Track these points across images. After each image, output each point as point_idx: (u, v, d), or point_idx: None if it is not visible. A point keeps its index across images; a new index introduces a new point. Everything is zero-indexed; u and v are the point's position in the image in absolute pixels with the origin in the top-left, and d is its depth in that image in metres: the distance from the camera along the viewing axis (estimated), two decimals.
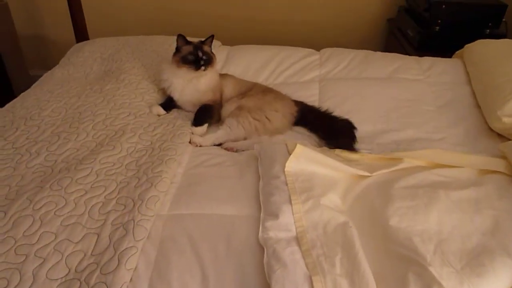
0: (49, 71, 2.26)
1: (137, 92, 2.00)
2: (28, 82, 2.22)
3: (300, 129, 1.92)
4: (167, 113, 1.94)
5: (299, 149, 1.49)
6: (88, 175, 1.42)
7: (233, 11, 3.42)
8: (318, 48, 2.55)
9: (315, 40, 3.42)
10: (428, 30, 2.67)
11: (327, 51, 2.48)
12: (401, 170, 1.52)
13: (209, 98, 1.96)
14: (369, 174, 1.49)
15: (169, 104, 1.97)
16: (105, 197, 1.34)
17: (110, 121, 1.77)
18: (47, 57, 3.69)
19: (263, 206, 1.30)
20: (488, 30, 2.71)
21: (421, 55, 2.50)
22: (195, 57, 1.85)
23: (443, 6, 2.71)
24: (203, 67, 1.81)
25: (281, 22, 3.48)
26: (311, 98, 2.11)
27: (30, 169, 1.49)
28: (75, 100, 1.92)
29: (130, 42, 2.50)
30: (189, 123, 1.86)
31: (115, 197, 1.34)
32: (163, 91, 2.04)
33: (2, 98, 2.17)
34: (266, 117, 1.87)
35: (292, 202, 1.29)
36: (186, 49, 1.90)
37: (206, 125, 1.86)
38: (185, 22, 3.45)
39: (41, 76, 2.25)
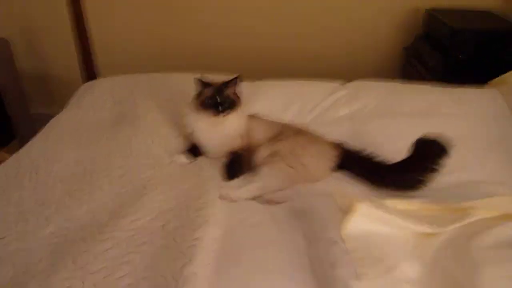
0: (56, 117, 2.06)
1: (156, 139, 1.79)
2: (29, 120, 2.01)
3: (340, 175, 1.71)
4: (192, 161, 1.73)
5: (357, 206, 1.28)
6: (110, 248, 1.19)
7: (241, 41, 3.29)
8: (334, 78, 2.38)
9: (330, 70, 3.27)
10: (451, 59, 2.49)
11: (353, 85, 2.31)
12: (473, 224, 1.31)
13: (238, 144, 1.76)
14: (439, 231, 1.28)
15: (193, 151, 1.77)
16: (133, 276, 1.11)
17: (129, 175, 1.55)
18: (49, 95, 3.50)
19: (323, 281, 1.08)
20: None
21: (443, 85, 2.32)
22: (214, 101, 1.66)
23: (466, 34, 2.59)
24: (221, 114, 1.63)
25: (295, 53, 3.34)
26: (343, 137, 1.91)
27: (39, 240, 1.26)
28: (86, 150, 1.71)
29: (142, 80, 2.31)
30: (218, 173, 1.64)
31: (146, 276, 1.11)
32: (185, 136, 1.83)
33: (1, 137, 1.96)
34: (302, 164, 1.66)
35: (362, 277, 1.07)
36: (206, 92, 1.72)
37: (238, 178, 1.65)
38: (197, 55, 3.30)
39: (42, 114, 2.05)
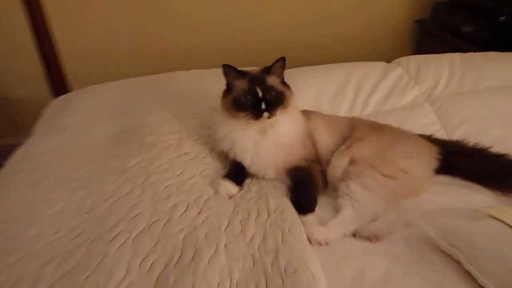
0: (23, 146, 1.45)
1: (182, 163, 1.24)
2: None
3: (444, 179, 1.22)
4: (241, 189, 1.18)
5: None
6: None
7: (236, 34, 2.75)
8: (342, 61, 1.92)
9: (337, 53, 2.79)
10: (494, 23, 2.17)
11: (406, 61, 1.83)
12: None
13: (300, 155, 1.23)
14: None
15: (238, 174, 1.23)
16: None
17: (160, 228, 0.99)
18: (13, 121, 2.82)
19: None
20: None
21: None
22: (253, 97, 1.16)
23: None
24: (266, 113, 1.14)
25: (297, 42, 2.85)
26: (432, 128, 1.43)
27: None
28: (83, 193, 1.13)
29: (139, 86, 1.73)
30: (287, 200, 1.11)
31: None
32: (221, 154, 1.29)
33: None
34: (402, 170, 1.17)
35: None
36: (239, 85, 1.19)
37: (316, 207, 1.13)
38: (188, 53, 2.73)
39: (5, 146, 1.45)
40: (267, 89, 1.16)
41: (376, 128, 1.33)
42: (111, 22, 2.61)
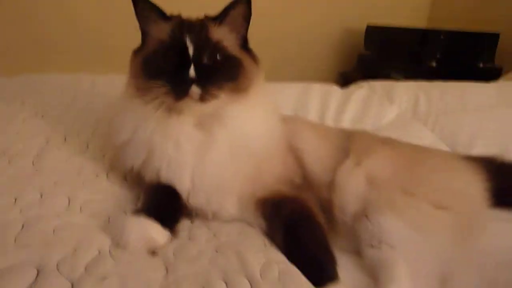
0: None
1: (47, 187, 0.57)
2: None
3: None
4: (174, 236, 0.57)
5: None
6: None
7: None
8: None
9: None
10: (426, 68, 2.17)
11: (367, 85, 1.49)
12: None
13: (278, 174, 0.71)
14: None
15: (164, 208, 0.62)
16: None
17: None
18: None
19: None
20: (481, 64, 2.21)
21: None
22: (176, 54, 0.64)
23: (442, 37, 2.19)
24: (196, 88, 0.61)
25: None
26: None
27: None
28: None
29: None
30: (278, 254, 0.53)
31: None
32: (130, 174, 0.67)
33: None
34: (451, 193, 0.71)
35: None
36: (158, 33, 0.67)
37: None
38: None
39: None
40: (205, 44, 0.65)
41: (383, 139, 0.86)
42: None
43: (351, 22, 2.52)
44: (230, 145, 0.65)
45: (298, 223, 0.60)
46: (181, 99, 0.60)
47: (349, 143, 0.81)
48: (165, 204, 0.61)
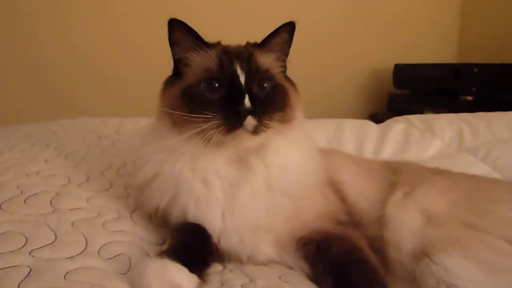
0: None
1: (65, 229, 0.52)
2: None
3: None
4: (203, 282, 0.49)
5: None
6: None
7: None
8: None
9: None
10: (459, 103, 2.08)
11: (404, 119, 1.42)
12: None
13: (319, 209, 0.63)
14: None
15: (192, 251, 0.53)
16: None
17: None
18: None
19: None
20: None
21: None
22: (227, 84, 0.59)
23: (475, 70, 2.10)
24: (252, 119, 0.56)
25: None
26: None
27: None
28: None
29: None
30: None
31: None
32: (155, 215, 0.62)
33: None
34: None
35: None
36: (201, 62, 0.62)
37: None
38: None
39: None
40: (256, 72, 0.61)
41: (432, 169, 0.77)
42: None
43: (379, 62, 2.49)
44: (267, 180, 0.58)
45: (350, 266, 0.51)
46: (233, 131, 0.56)
47: (395, 175, 0.73)
48: (193, 246, 0.54)
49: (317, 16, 2.25)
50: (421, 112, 2.05)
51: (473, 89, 2.11)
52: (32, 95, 1.95)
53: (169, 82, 0.62)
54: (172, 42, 0.61)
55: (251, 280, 0.50)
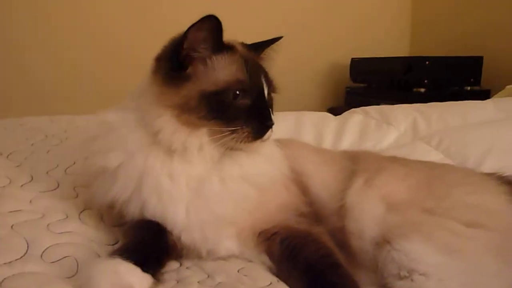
0: None
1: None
2: None
3: None
4: (157, 282, 0.46)
5: None
6: None
7: None
8: None
9: None
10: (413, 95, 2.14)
11: (361, 110, 1.43)
12: None
13: (282, 201, 0.62)
14: None
15: (146, 248, 0.51)
16: None
17: None
18: None
19: None
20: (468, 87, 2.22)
21: None
22: (256, 97, 0.62)
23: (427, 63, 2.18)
24: (271, 132, 0.62)
25: None
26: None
27: None
28: None
29: None
30: None
31: None
32: (109, 213, 0.58)
33: None
34: (483, 210, 0.62)
35: None
36: (225, 67, 0.60)
37: None
38: None
39: None
40: (272, 86, 0.66)
41: (390, 157, 0.78)
42: None
43: (337, 57, 2.53)
44: (237, 170, 0.58)
45: (327, 269, 0.51)
46: (255, 141, 0.59)
47: (355, 164, 0.73)
48: (148, 244, 0.51)
49: (276, 13, 2.26)
50: (377, 105, 2.11)
51: (425, 81, 2.19)
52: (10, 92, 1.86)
53: (175, 78, 0.57)
54: (195, 39, 0.57)
55: (208, 276, 0.48)
